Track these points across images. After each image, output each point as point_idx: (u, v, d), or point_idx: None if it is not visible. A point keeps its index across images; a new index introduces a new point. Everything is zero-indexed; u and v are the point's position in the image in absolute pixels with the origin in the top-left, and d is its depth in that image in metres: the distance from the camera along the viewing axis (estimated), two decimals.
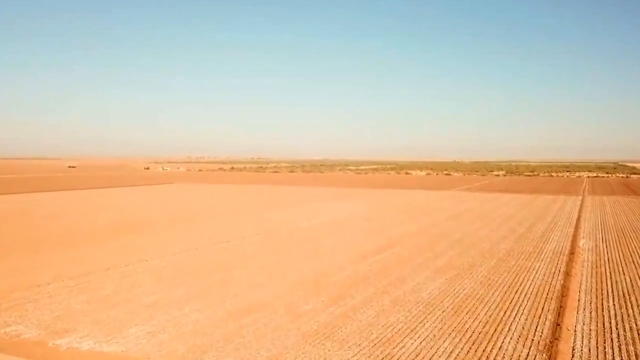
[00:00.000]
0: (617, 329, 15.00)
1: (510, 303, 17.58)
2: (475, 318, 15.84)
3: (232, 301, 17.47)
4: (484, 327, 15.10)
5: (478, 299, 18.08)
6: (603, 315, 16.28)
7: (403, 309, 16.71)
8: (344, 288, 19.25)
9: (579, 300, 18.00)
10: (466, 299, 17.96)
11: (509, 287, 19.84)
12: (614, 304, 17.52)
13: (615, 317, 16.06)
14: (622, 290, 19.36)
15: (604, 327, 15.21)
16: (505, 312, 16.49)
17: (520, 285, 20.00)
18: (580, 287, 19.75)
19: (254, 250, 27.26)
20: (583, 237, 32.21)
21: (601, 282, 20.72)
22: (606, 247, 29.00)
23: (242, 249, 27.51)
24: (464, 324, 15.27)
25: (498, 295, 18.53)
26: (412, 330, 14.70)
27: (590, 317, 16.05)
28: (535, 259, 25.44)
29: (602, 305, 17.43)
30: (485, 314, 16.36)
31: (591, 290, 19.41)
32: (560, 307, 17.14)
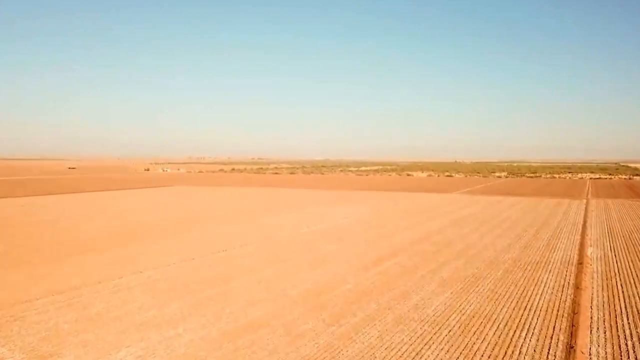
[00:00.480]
0: (634, 352, 14.19)
1: (519, 321, 16.78)
2: (484, 339, 15.04)
3: (228, 319, 16.68)
4: (492, 349, 14.30)
5: (485, 316, 17.28)
6: (618, 336, 15.48)
7: (407, 329, 15.92)
8: (346, 304, 18.45)
9: (591, 317, 17.19)
10: (473, 317, 17.16)
11: (517, 302, 19.04)
12: (629, 322, 16.71)
13: (632, 338, 15.25)
14: (636, 306, 18.53)
15: (620, 349, 14.40)
16: (514, 332, 15.69)
17: (528, 301, 19.19)
18: (591, 303, 18.94)
19: (252, 260, 26.47)
20: (590, 245, 31.38)
21: (613, 296, 19.91)
22: (615, 256, 28.17)
23: (240, 259, 26.72)
24: (472, 346, 14.47)
25: (506, 312, 17.72)
26: (417, 354, 13.91)
27: (605, 338, 15.24)
28: (542, 269, 24.62)
29: (617, 323, 16.62)
30: (494, 334, 15.56)
31: (603, 306, 18.59)
32: (573, 325, 16.33)
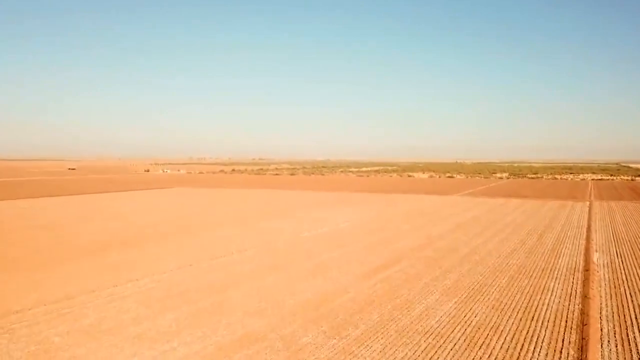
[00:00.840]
0: None
1: (527, 333, 16.18)
2: (490, 354, 14.44)
3: (225, 332, 16.09)
4: None
5: (492, 328, 16.69)
6: (630, 350, 14.88)
7: (411, 342, 15.32)
8: (347, 315, 17.86)
9: (601, 329, 16.59)
10: (479, 328, 16.56)
11: (524, 312, 18.43)
12: None
13: None
14: None
15: None
16: (522, 346, 15.09)
17: (535, 311, 18.59)
18: (600, 313, 18.33)
19: (251, 267, 25.88)
20: (596, 251, 30.76)
21: (622, 306, 19.30)
22: (622, 262, 27.56)
23: (239, 266, 26.13)
24: None
25: (513, 323, 17.12)
26: None
27: (617, 353, 14.64)
28: (548, 277, 24.02)
29: (628, 336, 16.02)
30: (501, 347, 14.96)
31: (613, 316, 17.98)
32: (583, 338, 15.73)
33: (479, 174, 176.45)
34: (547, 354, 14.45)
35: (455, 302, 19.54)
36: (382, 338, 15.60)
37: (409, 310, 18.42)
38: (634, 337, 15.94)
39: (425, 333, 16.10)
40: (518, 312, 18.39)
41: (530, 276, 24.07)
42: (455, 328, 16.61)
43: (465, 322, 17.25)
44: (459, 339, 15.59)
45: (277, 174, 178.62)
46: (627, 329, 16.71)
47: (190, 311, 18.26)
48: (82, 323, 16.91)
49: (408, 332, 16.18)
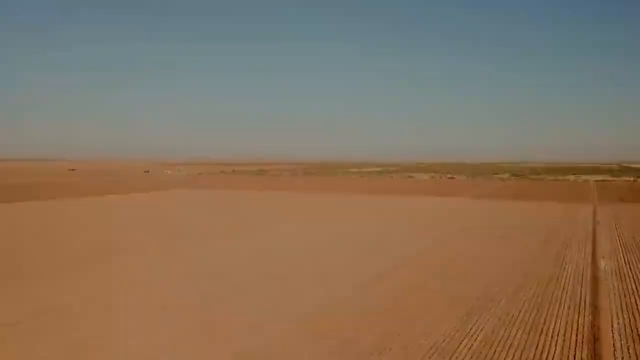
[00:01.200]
0: None
1: (536, 349, 15.48)
2: None
3: (222, 349, 15.40)
4: None
5: (499, 343, 15.99)
6: None
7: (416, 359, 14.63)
8: (349, 329, 17.16)
9: (614, 345, 15.89)
10: (486, 344, 15.86)
11: (532, 325, 17.73)
12: None
13: None
14: None
15: None
16: None
17: (544, 323, 17.89)
18: (612, 326, 17.64)
19: (250, 276, 25.19)
20: (603, 257, 30.04)
21: (634, 318, 18.58)
22: (630, 269, 26.84)
23: (237, 275, 25.44)
24: None
25: (522, 338, 16.42)
26: None
27: None
28: (555, 285, 23.32)
29: None
30: None
31: (625, 330, 17.28)
32: (595, 355, 15.04)
33: (480, 174, 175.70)
34: None
35: (461, 315, 18.83)
36: (385, 356, 14.89)
37: (413, 324, 17.71)
38: None
39: (430, 349, 15.41)
40: (526, 325, 17.69)
41: (537, 285, 23.36)
42: (461, 343, 15.91)
43: (472, 336, 16.56)
44: (465, 356, 14.90)
45: (277, 175, 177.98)
46: None
47: (186, 325, 17.55)
48: (73, 338, 16.20)
49: (413, 348, 15.48)
